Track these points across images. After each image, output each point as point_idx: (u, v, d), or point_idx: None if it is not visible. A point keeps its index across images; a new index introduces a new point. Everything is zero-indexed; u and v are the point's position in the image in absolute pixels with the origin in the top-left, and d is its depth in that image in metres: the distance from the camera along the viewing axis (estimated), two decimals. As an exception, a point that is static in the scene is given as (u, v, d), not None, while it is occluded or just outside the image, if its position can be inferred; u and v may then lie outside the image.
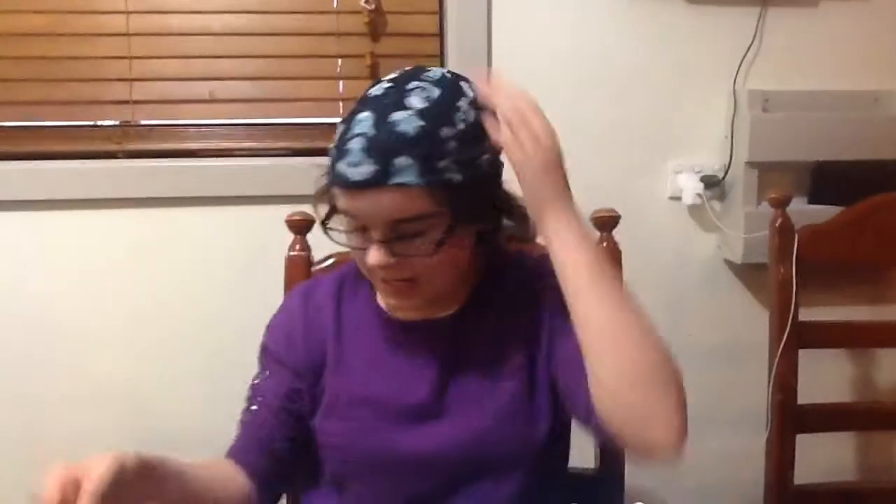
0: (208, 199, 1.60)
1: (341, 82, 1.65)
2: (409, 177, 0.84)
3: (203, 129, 1.64)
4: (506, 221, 0.97)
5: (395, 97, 0.87)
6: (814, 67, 1.70)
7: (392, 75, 0.92)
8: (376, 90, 0.90)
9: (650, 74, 1.67)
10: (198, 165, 1.62)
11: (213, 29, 1.60)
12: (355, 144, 0.85)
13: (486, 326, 0.98)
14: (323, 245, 1.23)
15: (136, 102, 1.60)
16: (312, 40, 1.62)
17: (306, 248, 1.29)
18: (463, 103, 0.89)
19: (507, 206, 0.95)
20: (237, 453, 0.98)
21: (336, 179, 0.87)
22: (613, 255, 1.30)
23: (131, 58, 1.59)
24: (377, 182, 0.84)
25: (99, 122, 1.63)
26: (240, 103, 1.63)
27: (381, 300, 1.01)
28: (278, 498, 1.03)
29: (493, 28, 1.61)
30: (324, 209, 0.93)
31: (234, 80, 1.62)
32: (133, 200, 1.59)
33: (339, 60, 1.64)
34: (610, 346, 0.83)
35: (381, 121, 0.85)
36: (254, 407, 1.00)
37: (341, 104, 1.64)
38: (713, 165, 1.68)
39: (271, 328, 1.05)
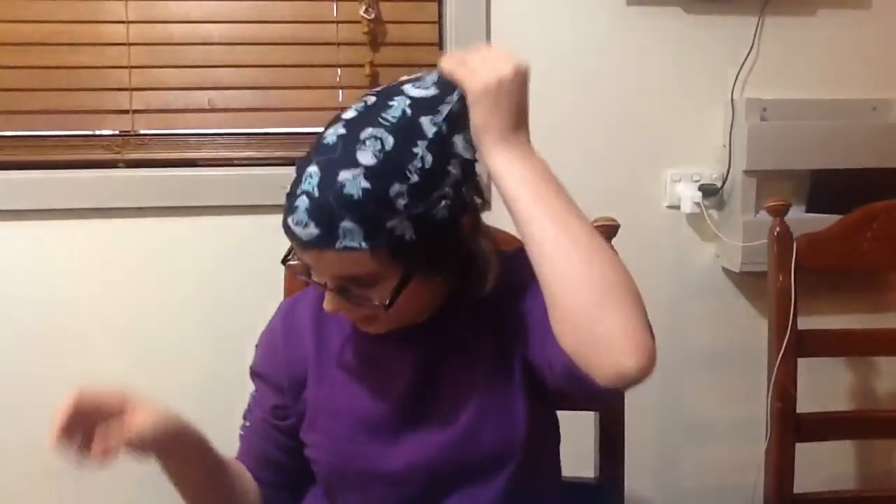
0: (208, 208, 1.60)
1: (341, 91, 1.65)
2: (353, 241, 0.81)
3: (203, 138, 1.65)
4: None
5: (345, 151, 0.82)
6: (812, 76, 1.71)
7: (352, 111, 0.86)
8: (329, 136, 0.85)
9: (648, 83, 1.68)
10: (197, 174, 1.62)
11: (213, 38, 1.61)
12: (301, 203, 0.82)
13: (460, 327, 0.96)
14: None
15: (136, 112, 1.61)
16: (312, 50, 1.63)
17: (305, 257, 1.30)
18: (420, 148, 0.82)
19: (469, 249, 0.91)
20: (242, 461, 1.04)
21: (286, 231, 0.86)
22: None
23: (131, 67, 1.59)
24: (322, 244, 0.82)
25: (98, 132, 1.63)
26: (239, 112, 1.64)
27: None
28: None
29: (492, 38, 1.62)
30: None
31: (233, 89, 1.63)
32: (132, 210, 1.59)
33: (339, 70, 1.64)
34: (564, 266, 0.77)
35: (327, 181, 0.81)
36: (247, 423, 1.05)
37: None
38: (711, 174, 1.69)
39: (258, 347, 1.08)
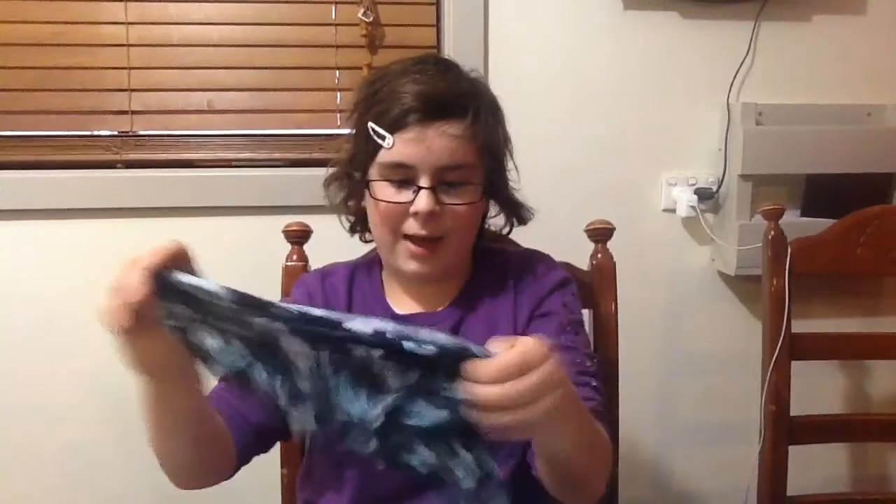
0: (206, 209, 1.61)
1: (339, 93, 1.66)
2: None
3: (201, 139, 1.65)
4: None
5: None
6: (807, 81, 1.72)
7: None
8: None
9: (645, 87, 1.68)
10: (196, 176, 1.63)
11: (212, 40, 1.62)
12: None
13: (476, 318, 1.05)
14: (320, 255, 1.24)
15: (134, 113, 1.61)
16: (311, 52, 1.63)
17: (303, 258, 1.30)
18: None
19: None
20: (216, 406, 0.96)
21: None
22: (608, 267, 1.31)
23: (130, 68, 1.60)
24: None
25: (97, 133, 1.64)
26: (238, 114, 1.64)
27: (387, 295, 1.08)
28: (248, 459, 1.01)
29: (489, 41, 1.63)
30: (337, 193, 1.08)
31: (232, 90, 1.63)
32: (131, 210, 1.60)
33: (338, 72, 1.65)
34: (581, 463, 0.85)
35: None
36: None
37: (339, 115, 1.65)
38: (707, 178, 1.70)
39: (290, 297, 1.11)
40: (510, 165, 1.09)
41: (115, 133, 1.63)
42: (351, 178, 1.06)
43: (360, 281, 1.11)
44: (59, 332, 1.61)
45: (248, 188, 1.61)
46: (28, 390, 1.61)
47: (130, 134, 1.63)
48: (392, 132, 0.97)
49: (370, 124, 0.99)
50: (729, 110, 1.66)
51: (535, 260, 1.11)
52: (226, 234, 1.62)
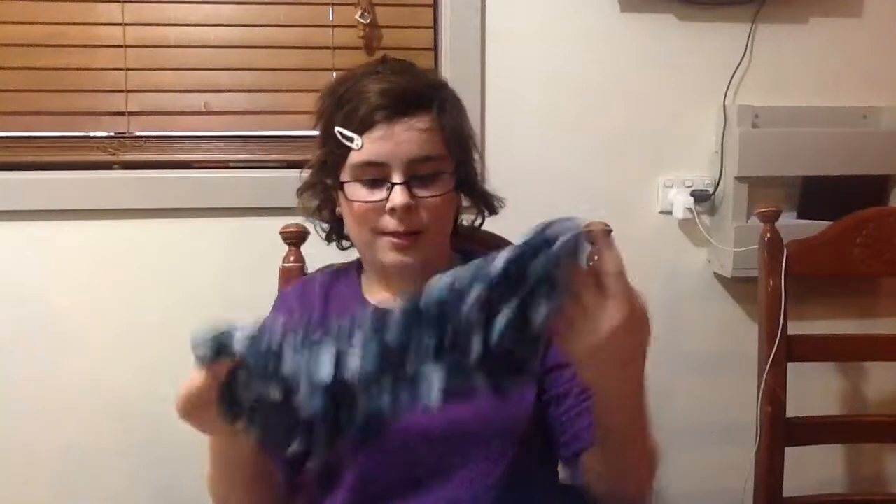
0: (203, 210, 1.61)
1: (336, 95, 1.66)
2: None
3: (198, 140, 1.65)
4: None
5: None
6: (803, 83, 1.73)
7: None
8: None
9: (641, 89, 1.69)
10: (193, 177, 1.62)
11: (209, 41, 1.62)
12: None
13: None
14: (317, 256, 1.24)
15: (131, 114, 1.61)
16: (308, 53, 1.63)
17: (300, 259, 1.30)
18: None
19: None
20: None
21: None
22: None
23: (127, 69, 1.60)
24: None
25: (94, 133, 1.63)
26: (235, 115, 1.64)
27: (367, 292, 1.09)
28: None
29: (486, 43, 1.63)
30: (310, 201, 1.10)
31: (229, 92, 1.63)
32: (128, 211, 1.60)
33: (334, 73, 1.65)
34: (624, 465, 0.89)
35: None
36: None
37: (336, 117, 1.65)
38: (703, 180, 1.70)
39: (270, 314, 1.11)
40: (476, 157, 1.11)
41: (112, 134, 1.63)
42: (323, 185, 1.08)
43: (337, 285, 1.12)
44: (53, 332, 1.61)
45: (245, 189, 1.61)
46: (26, 391, 1.61)
47: (127, 135, 1.63)
48: (360, 132, 0.98)
49: (337, 128, 1.00)
50: (725, 112, 1.67)
51: None
52: (223, 235, 1.62)
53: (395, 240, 1.00)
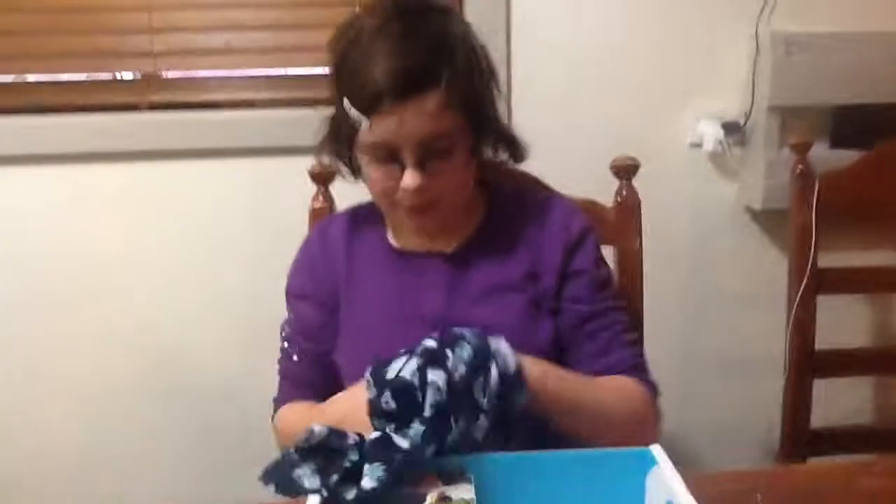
0: (231, 150, 1.61)
1: (360, 31, 1.64)
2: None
3: (224, 80, 1.65)
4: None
5: None
6: (838, 8, 1.67)
7: None
8: None
9: (672, 19, 1.64)
10: (220, 117, 1.63)
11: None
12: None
13: (491, 256, 1.07)
14: (345, 196, 1.25)
15: (157, 55, 1.61)
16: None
17: (329, 199, 1.31)
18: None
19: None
20: (292, 398, 1.08)
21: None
22: (632, 203, 1.31)
23: (151, 9, 1.59)
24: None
25: (120, 75, 1.63)
26: (259, 54, 1.63)
27: (392, 235, 1.10)
28: None
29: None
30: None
31: (252, 29, 1.62)
32: (156, 152, 1.61)
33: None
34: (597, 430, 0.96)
35: None
36: (294, 357, 1.09)
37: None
38: (734, 111, 1.67)
39: (293, 268, 1.13)
40: (497, 96, 1.06)
41: (139, 75, 1.63)
42: (340, 147, 1.06)
43: (360, 229, 1.12)
44: (82, 275, 1.64)
45: (273, 129, 1.61)
46: (50, 337, 1.65)
47: (154, 76, 1.63)
48: (367, 115, 0.95)
49: (346, 102, 0.97)
50: (757, 40, 1.62)
51: (555, 204, 1.11)
52: (251, 176, 1.63)
53: (409, 209, 1.00)
